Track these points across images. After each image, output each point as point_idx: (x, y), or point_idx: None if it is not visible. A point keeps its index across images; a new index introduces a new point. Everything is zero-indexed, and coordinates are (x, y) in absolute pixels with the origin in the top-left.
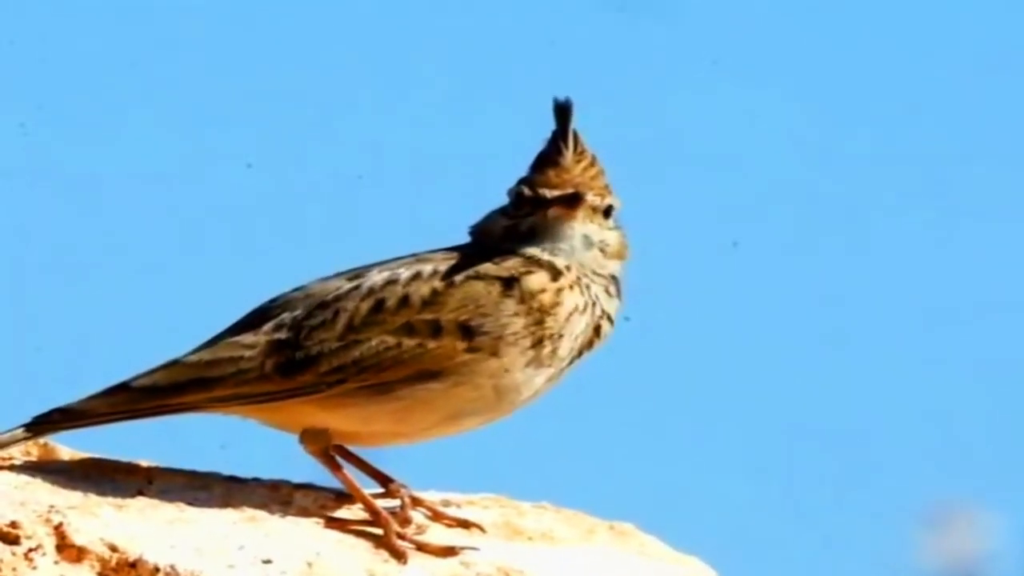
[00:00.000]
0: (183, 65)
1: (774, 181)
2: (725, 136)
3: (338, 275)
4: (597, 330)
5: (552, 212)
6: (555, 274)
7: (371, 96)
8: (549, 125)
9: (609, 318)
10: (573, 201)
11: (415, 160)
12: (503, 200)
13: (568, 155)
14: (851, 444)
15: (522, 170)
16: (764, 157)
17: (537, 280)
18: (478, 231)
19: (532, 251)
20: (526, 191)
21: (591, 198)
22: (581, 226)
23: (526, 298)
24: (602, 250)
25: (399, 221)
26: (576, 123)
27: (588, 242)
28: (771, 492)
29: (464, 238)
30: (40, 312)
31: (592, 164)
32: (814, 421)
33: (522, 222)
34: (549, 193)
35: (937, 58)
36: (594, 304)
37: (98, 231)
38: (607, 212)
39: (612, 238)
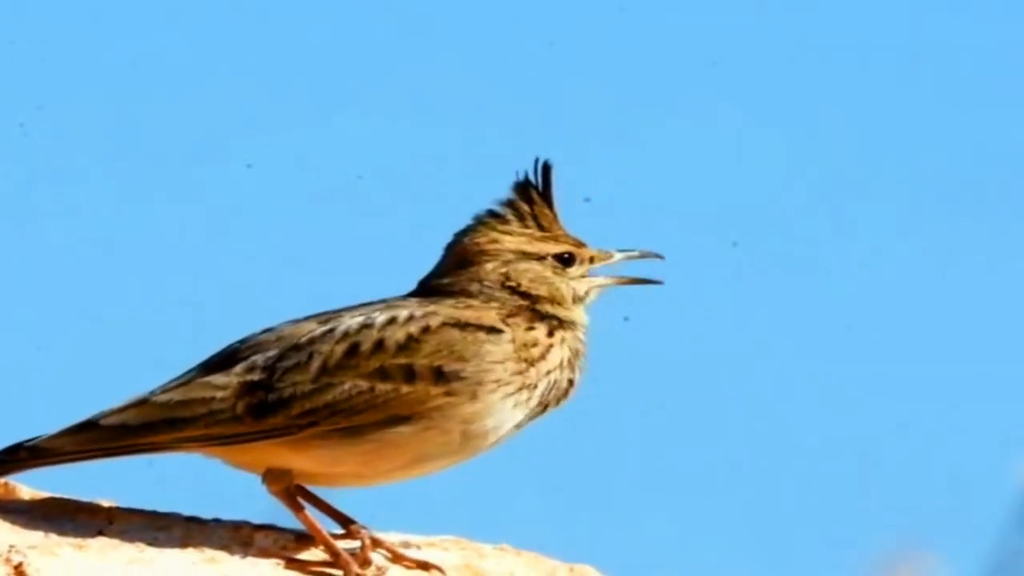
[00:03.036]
0: (183, 65)
1: (774, 181)
2: (725, 135)
3: (309, 318)
4: (571, 383)
5: (574, 270)
6: (556, 328)
7: (371, 96)
8: (549, 129)
9: (577, 373)
10: (584, 259)
11: (415, 160)
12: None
13: (557, 215)
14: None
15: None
16: (764, 157)
17: (533, 335)
18: (468, 277)
19: (560, 310)
20: (581, 252)
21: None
22: (588, 282)
23: (518, 348)
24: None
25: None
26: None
27: (588, 297)
28: (731, 534)
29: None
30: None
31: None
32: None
33: (581, 283)
34: (591, 254)
35: (936, 62)
36: (573, 359)
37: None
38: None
39: (593, 292)
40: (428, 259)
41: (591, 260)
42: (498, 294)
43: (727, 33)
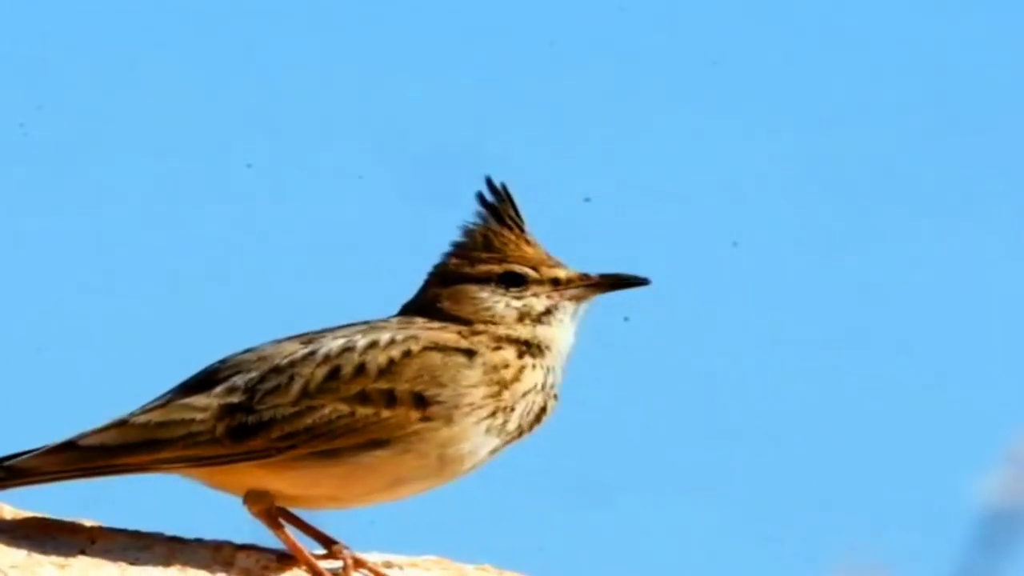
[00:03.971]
0: (183, 65)
1: (774, 181)
2: (725, 135)
3: (291, 338)
4: (543, 409)
5: (575, 293)
6: (524, 352)
7: (371, 96)
8: (549, 129)
9: (556, 396)
10: (563, 283)
11: (415, 160)
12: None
13: (529, 234)
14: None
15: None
16: (764, 156)
17: (502, 356)
18: (446, 304)
19: (524, 331)
20: (530, 272)
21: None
22: (573, 306)
23: (488, 371)
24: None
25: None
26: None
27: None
28: (717, 552)
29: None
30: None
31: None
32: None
33: (534, 301)
34: (562, 274)
35: (937, 60)
36: (547, 384)
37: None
38: None
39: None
40: (427, 259)
41: (567, 281)
42: (447, 317)
43: (727, 33)
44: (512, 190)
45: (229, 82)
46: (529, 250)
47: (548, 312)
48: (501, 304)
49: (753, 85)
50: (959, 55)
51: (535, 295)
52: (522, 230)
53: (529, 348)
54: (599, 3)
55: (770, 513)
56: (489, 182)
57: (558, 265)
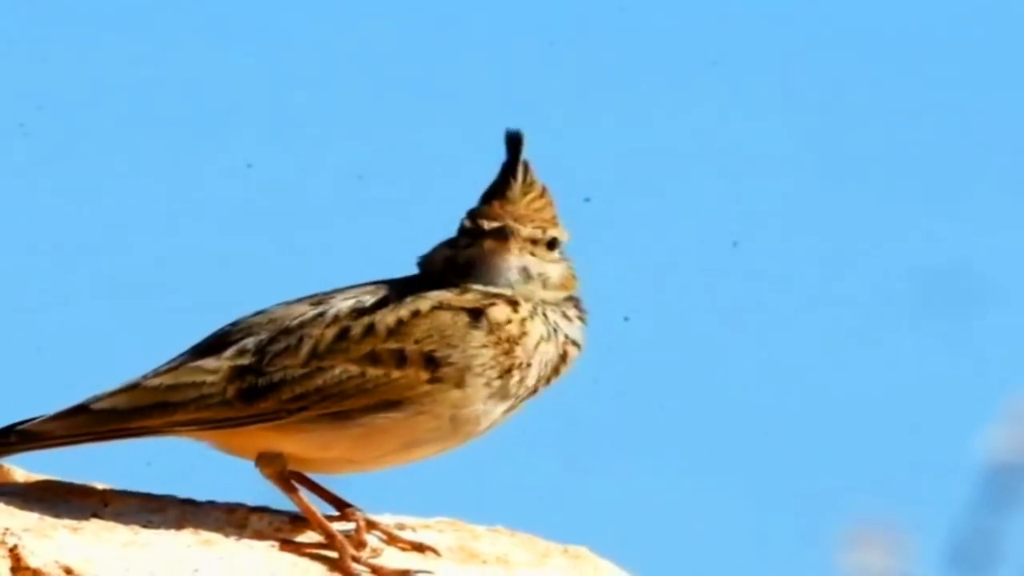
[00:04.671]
0: (183, 65)
1: (774, 181)
2: (725, 136)
3: (301, 300)
4: (563, 357)
5: (487, 244)
6: (513, 304)
7: (371, 96)
8: (549, 129)
9: (576, 343)
10: (504, 234)
11: (414, 160)
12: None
13: (516, 187)
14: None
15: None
16: (764, 156)
17: (501, 311)
18: (425, 262)
19: (472, 285)
20: (466, 222)
21: (529, 231)
22: (517, 259)
23: (494, 329)
24: (543, 283)
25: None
26: (527, 153)
27: (526, 275)
28: (725, 515)
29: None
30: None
31: (540, 196)
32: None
33: (460, 254)
34: (487, 225)
35: (937, 59)
36: (555, 331)
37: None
38: (551, 244)
39: (554, 271)
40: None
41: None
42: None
43: (727, 33)
44: (520, 140)
45: (229, 82)
46: (497, 203)
47: (473, 266)
48: (439, 256)
49: (753, 85)
50: (959, 54)
51: (466, 246)
52: (508, 183)
53: (510, 300)
54: (599, 3)
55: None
56: (509, 132)
57: (497, 218)
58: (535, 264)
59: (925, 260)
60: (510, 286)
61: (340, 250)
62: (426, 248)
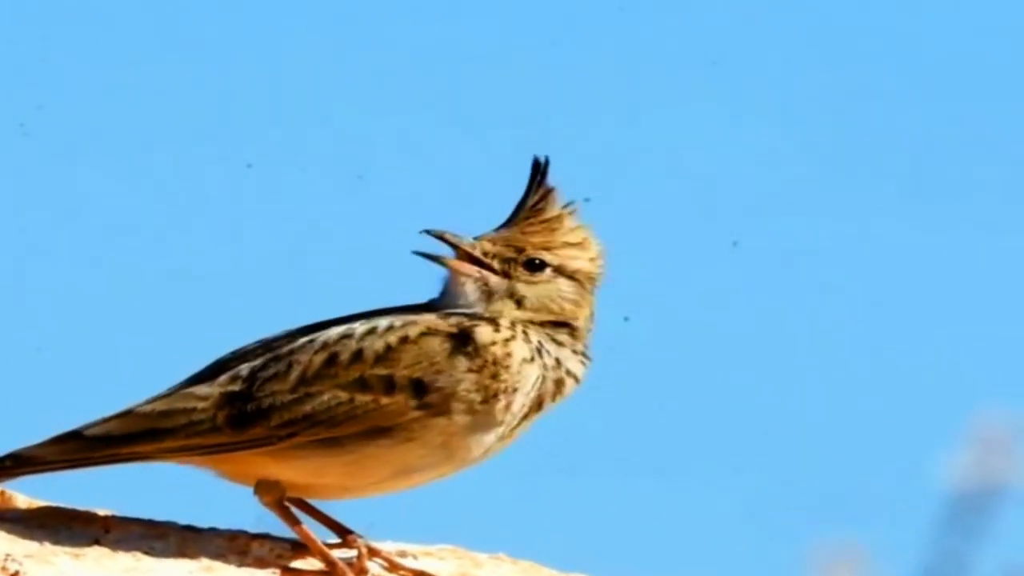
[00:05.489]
0: (183, 64)
1: (774, 181)
2: (725, 135)
3: (298, 329)
4: (559, 384)
5: (448, 263)
6: (493, 324)
7: (371, 96)
8: (549, 129)
9: (574, 376)
10: (459, 253)
11: (415, 160)
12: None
13: (521, 212)
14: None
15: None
16: (765, 156)
17: (484, 332)
18: None
19: (447, 307)
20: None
21: (498, 248)
22: (475, 277)
23: (480, 352)
24: (517, 302)
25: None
26: (550, 179)
27: (486, 292)
28: (727, 542)
29: None
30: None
31: (542, 221)
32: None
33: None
34: (479, 249)
35: (935, 58)
36: (540, 352)
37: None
38: (531, 266)
39: (531, 291)
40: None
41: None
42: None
43: (727, 33)
44: (542, 167)
45: (230, 81)
46: (505, 230)
47: (457, 286)
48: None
49: (753, 85)
50: (958, 54)
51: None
52: (521, 208)
53: (492, 323)
54: (599, 3)
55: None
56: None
57: (489, 241)
58: (499, 283)
59: (925, 259)
60: (472, 305)
61: (340, 250)
62: (426, 248)
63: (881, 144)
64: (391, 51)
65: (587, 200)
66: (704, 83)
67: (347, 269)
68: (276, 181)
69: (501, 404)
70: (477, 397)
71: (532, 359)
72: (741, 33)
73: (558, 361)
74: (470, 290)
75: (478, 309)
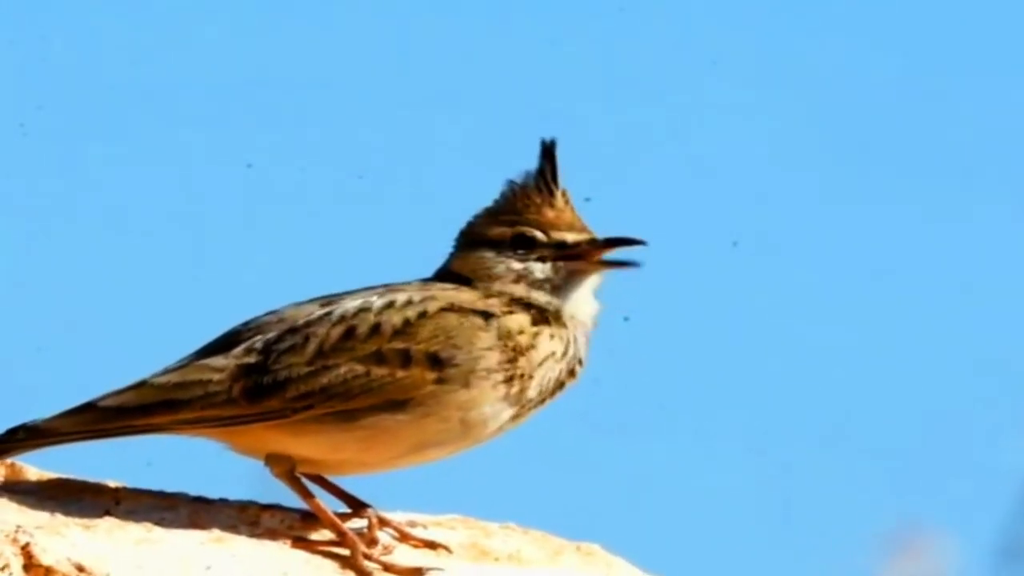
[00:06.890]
0: (183, 64)
1: (774, 180)
2: (725, 135)
3: (312, 301)
4: (572, 372)
5: (576, 265)
6: (539, 319)
7: (370, 95)
8: (549, 129)
9: (581, 361)
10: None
11: (415, 160)
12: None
13: (559, 196)
14: (823, 461)
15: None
16: (765, 156)
17: (516, 321)
18: (456, 265)
19: (539, 296)
20: (538, 234)
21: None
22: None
23: (503, 336)
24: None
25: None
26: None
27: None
28: (738, 512)
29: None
30: (11, 322)
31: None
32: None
33: (534, 266)
34: (571, 238)
35: (936, 56)
36: (566, 352)
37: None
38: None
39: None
40: (427, 259)
41: (574, 245)
42: (463, 279)
43: (727, 33)
44: (556, 149)
45: (230, 81)
46: (551, 213)
47: (548, 279)
48: (502, 266)
49: (753, 85)
50: (958, 54)
51: (540, 259)
52: (551, 192)
53: (544, 315)
54: (599, 3)
55: (812, 481)
56: (544, 141)
57: (572, 229)
58: (544, 268)
59: (927, 258)
60: (581, 303)
61: (340, 250)
62: (425, 248)
63: (881, 144)
64: (391, 51)
65: (587, 200)
66: (704, 83)
67: (347, 269)
68: (276, 181)
69: (516, 388)
70: (497, 376)
71: (560, 358)
72: (741, 33)
73: (578, 357)
74: (590, 291)
75: (569, 308)
